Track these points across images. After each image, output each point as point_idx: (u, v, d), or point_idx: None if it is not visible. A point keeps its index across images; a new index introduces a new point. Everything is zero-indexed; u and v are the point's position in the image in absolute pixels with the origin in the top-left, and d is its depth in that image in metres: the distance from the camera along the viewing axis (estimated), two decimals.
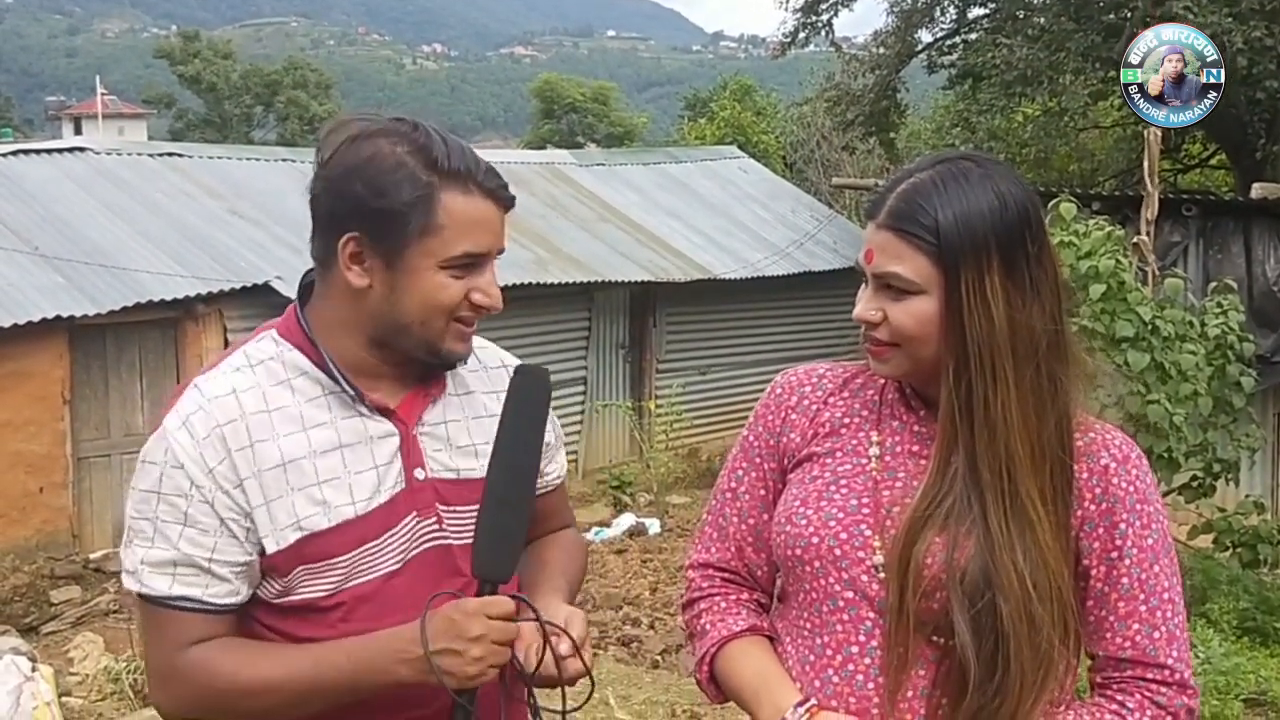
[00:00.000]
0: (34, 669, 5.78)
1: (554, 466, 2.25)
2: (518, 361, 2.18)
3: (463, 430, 2.07)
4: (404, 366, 2.02)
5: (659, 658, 7.17)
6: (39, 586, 10.32)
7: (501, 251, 2.00)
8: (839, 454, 1.93)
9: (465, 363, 2.06)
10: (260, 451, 1.91)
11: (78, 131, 49.37)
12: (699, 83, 49.59)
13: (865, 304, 1.86)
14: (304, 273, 2.05)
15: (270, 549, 1.91)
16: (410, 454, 2.00)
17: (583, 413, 14.74)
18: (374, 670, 1.85)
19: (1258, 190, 11.65)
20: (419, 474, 2.00)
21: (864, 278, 1.88)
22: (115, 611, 10.13)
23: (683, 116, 37.55)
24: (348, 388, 1.97)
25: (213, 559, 1.89)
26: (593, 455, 14.87)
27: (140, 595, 1.93)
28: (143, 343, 11.47)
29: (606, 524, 12.27)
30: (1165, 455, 7.55)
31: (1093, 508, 1.83)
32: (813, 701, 1.84)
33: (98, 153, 13.55)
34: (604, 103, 45.91)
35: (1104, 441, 1.87)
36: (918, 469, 1.87)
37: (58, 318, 10.55)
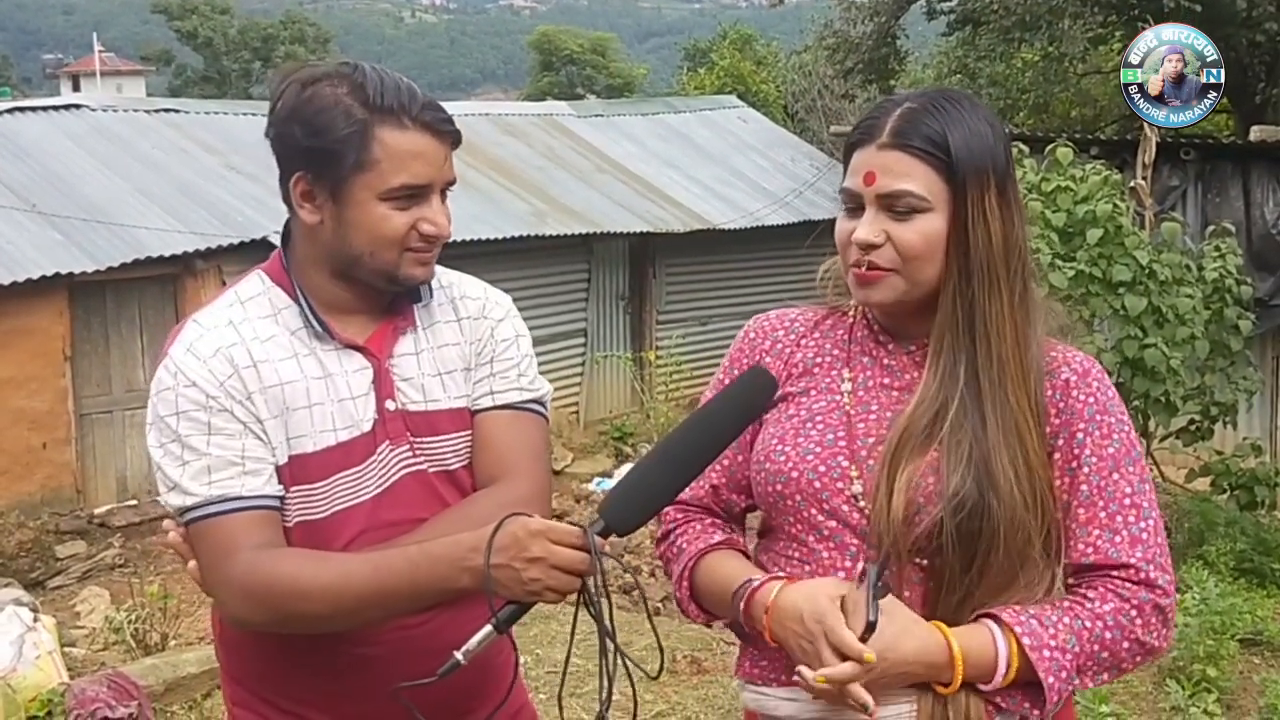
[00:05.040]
0: (35, 619, 5.82)
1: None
2: (502, 316, 2.20)
3: (431, 362, 2.13)
4: (372, 299, 2.09)
5: (660, 604, 7.19)
6: (44, 542, 10.39)
7: (451, 183, 2.06)
8: (813, 392, 1.98)
9: (431, 294, 2.13)
10: (262, 371, 2.00)
11: (76, 89, 49.12)
12: (700, 32, 49.04)
13: (867, 226, 1.86)
14: (286, 220, 2.13)
15: (279, 461, 2.00)
16: (382, 386, 2.07)
17: (583, 364, 14.71)
18: (436, 577, 1.87)
19: (1256, 133, 11.56)
20: (389, 405, 2.07)
21: (850, 205, 1.90)
22: (121, 565, 10.19)
23: (682, 67, 37.25)
24: (316, 324, 2.04)
25: (245, 456, 1.96)
26: (593, 406, 14.87)
27: (185, 515, 1.97)
28: (142, 299, 11.48)
29: (608, 474, 12.39)
30: (1162, 399, 7.58)
31: (1056, 421, 1.88)
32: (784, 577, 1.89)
33: (94, 109, 13.49)
34: (603, 54, 45.64)
35: (1064, 359, 1.92)
36: (890, 401, 1.92)
37: (57, 275, 10.55)
